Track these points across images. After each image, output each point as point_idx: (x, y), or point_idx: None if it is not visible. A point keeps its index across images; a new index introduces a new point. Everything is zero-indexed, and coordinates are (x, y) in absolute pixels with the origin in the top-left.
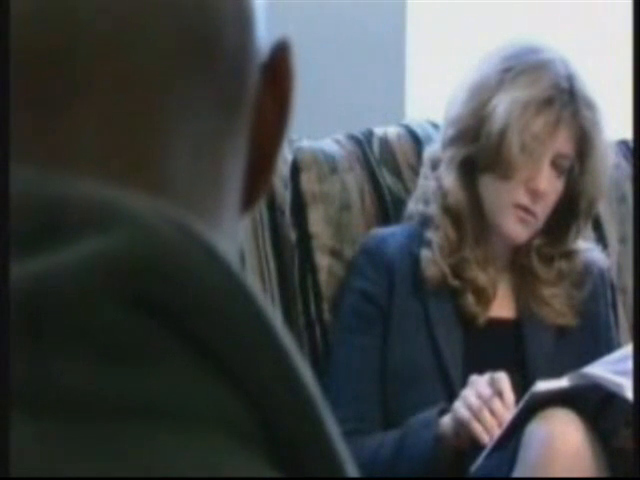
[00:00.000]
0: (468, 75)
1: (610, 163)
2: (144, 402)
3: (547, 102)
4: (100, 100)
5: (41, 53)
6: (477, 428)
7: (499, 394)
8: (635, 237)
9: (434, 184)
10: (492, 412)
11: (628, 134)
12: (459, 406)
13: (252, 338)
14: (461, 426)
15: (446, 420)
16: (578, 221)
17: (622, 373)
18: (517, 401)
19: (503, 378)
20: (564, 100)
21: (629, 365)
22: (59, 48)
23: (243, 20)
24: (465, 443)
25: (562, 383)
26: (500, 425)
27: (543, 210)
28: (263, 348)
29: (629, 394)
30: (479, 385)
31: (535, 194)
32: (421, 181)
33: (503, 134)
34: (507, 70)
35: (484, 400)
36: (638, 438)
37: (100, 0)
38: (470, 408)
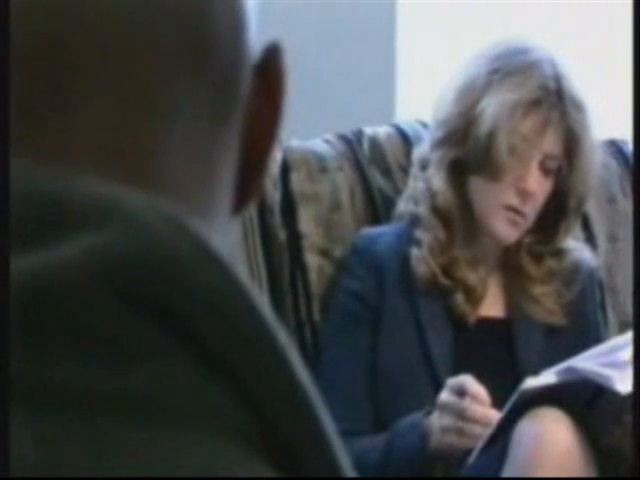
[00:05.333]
0: (456, 76)
1: (598, 162)
2: (140, 400)
3: (535, 104)
4: (97, 98)
5: (39, 52)
6: (470, 443)
7: (476, 399)
8: (635, 237)
9: (423, 185)
10: (476, 420)
11: (617, 134)
12: (443, 431)
13: (246, 334)
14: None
15: (434, 421)
16: (567, 219)
17: (610, 365)
18: (507, 400)
19: (467, 380)
20: (552, 101)
21: (617, 357)
22: (58, 47)
23: (237, 22)
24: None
25: (550, 379)
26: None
27: (532, 210)
28: (257, 344)
29: (618, 386)
30: (452, 405)
31: (524, 195)
32: (411, 181)
33: (492, 136)
34: (495, 71)
35: (464, 417)
36: (638, 438)
37: (101, 0)
38: (452, 431)
